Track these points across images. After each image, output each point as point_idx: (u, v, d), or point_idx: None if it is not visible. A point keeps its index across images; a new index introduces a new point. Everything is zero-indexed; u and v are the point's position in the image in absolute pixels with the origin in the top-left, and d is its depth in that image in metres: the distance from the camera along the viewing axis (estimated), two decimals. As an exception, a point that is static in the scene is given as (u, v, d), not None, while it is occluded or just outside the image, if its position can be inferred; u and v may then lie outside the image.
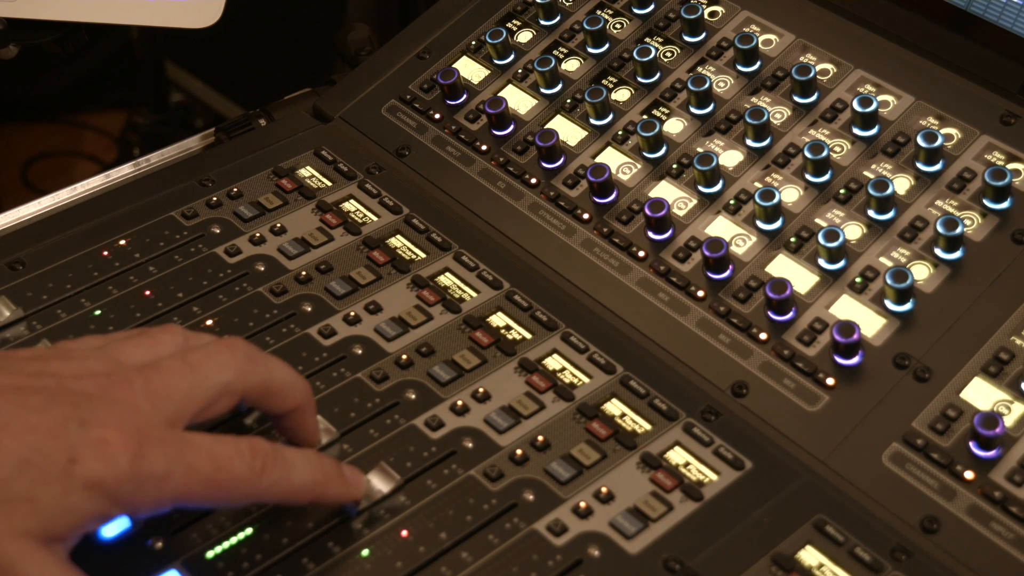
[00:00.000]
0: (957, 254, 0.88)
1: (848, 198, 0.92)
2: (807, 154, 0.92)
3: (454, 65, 1.06)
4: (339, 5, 1.78)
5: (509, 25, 1.08)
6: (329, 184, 1.00)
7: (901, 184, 0.92)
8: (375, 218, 0.97)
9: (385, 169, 1.02)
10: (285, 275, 0.92)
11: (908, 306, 0.86)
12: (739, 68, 1.00)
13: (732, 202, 0.94)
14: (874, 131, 0.94)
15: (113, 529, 0.76)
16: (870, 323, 0.86)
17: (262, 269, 0.93)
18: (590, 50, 1.05)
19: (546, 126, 1.01)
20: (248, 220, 0.97)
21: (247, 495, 0.71)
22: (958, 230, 0.87)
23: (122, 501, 0.67)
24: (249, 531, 0.76)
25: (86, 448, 0.66)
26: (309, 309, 0.90)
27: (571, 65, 1.05)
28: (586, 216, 0.96)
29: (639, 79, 1.02)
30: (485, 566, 0.75)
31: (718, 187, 0.95)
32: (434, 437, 0.82)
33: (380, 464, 0.78)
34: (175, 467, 0.68)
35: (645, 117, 0.99)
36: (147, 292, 0.91)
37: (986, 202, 0.90)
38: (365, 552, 0.75)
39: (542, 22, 1.08)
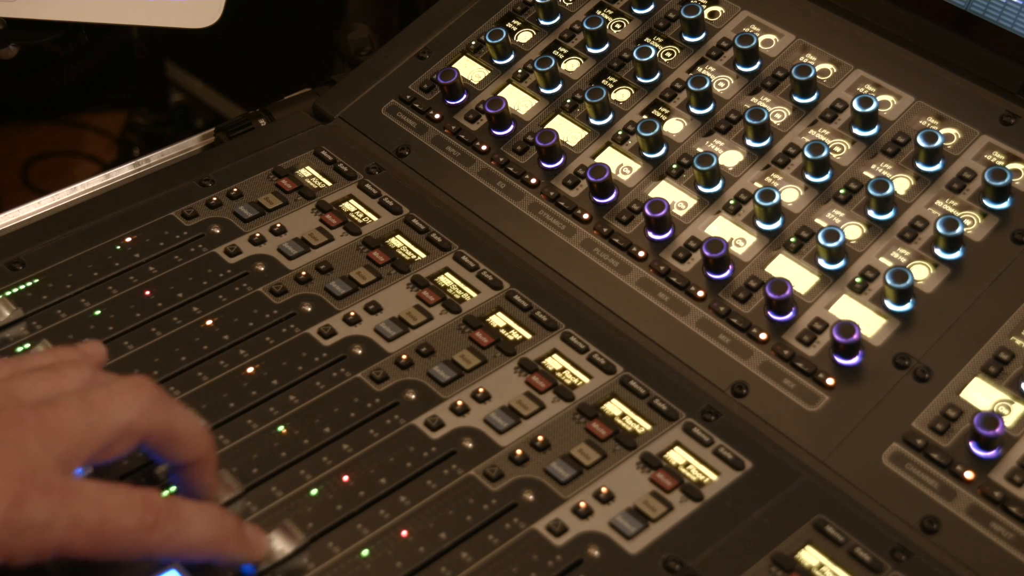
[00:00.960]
0: (957, 254, 0.88)
1: (848, 198, 0.92)
2: (807, 154, 0.92)
3: (454, 65, 1.06)
4: (339, 5, 1.78)
5: (509, 25, 1.08)
6: (329, 184, 1.00)
7: (901, 184, 0.92)
8: (375, 218, 0.97)
9: (385, 169, 1.02)
10: (285, 275, 0.92)
11: (908, 306, 0.86)
12: (739, 68, 1.00)
13: (732, 202, 0.94)
14: (874, 131, 0.94)
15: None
16: (870, 323, 0.86)
17: (262, 269, 0.93)
18: (590, 50, 1.05)
19: (546, 126, 1.01)
20: (248, 220, 0.97)
21: (136, 550, 0.68)
22: (958, 230, 0.87)
23: None
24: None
25: None
26: (309, 309, 0.90)
27: (571, 65, 1.05)
28: (586, 216, 0.96)
29: (639, 79, 1.02)
30: (485, 566, 0.75)
31: (718, 187, 0.95)
32: (434, 437, 0.82)
33: (284, 523, 0.75)
34: (58, 516, 0.65)
35: (645, 117, 0.99)
36: (147, 292, 0.91)
37: (986, 202, 0.90)
38: (365, 552, 0.75)
39: (542, 22, 1.08)
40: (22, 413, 0.67)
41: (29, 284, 0.91)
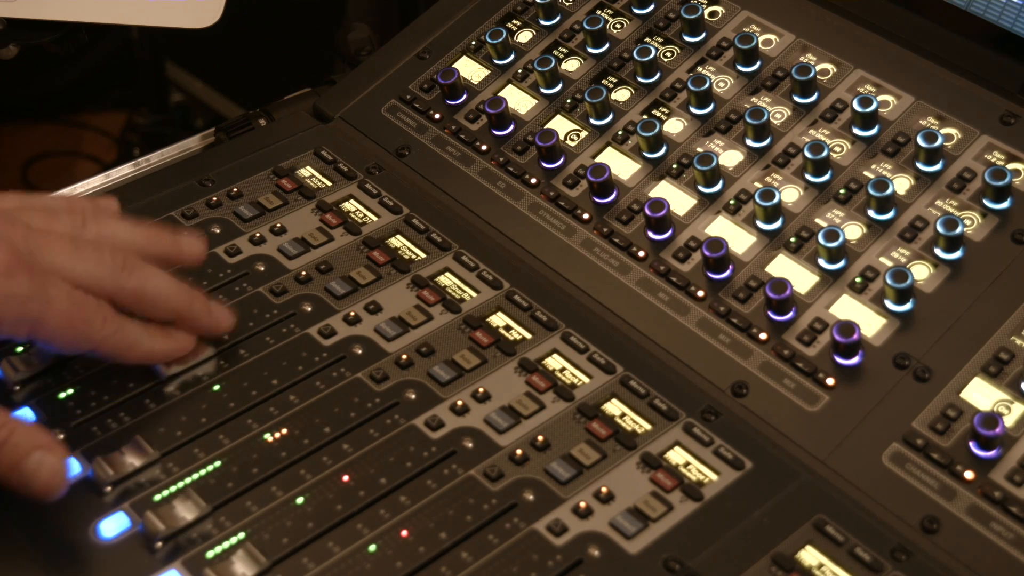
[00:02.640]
0: (957, 254, 0.88)
1: (848, 198, 0.92)
2: (807, 154, 0.92)
3: (454, 65, 1.06)
4: (339, 5, 1.77)
5: (509, 25, 1.08)
6: (329, 184, 1.00)
7: (901, 184, 0.92)
8: (375, 218, 0.97)
9: (385, 169, 1.02)
10: (285, 275, 0.92)
11: (908, 306, 0.86)
12: (739, 68, 1.00)
13: (732, 202, 0.94)
14: (874, 131, 0.94)
15: (113, 528, 0.76)
16: (870, 323, 0.86)
17: (262, 269, 0.93)
18: (590, 50, 1.05)
19: (546, 126, 1.01)
20: (248, 220, 0.97)
21: (89, 340, 0.79)
22: (958, 230, 0.87)
23: None
24: (249, 531, 0.76)
25: None
26: (309, 309, 0.90)
27: (571, 65, 1.05)
28: (586, 216, 0.96)
29: (639, 79, 1.02)
30: (485, 566, 0.75)
31: (718, 187, 0.95)
32: (434, 437, 0.82)
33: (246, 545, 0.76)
34: (37, 294, 0.76)
35: (645, 117, 0.99)
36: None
37: (986, 202, 0.90)
38: (372, 548, 0.75)
39: (542, 22, 1.08)
40: (16, 223, 0.78)
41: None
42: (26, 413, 0.82)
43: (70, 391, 0.84)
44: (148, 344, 0.82)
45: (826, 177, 0.93)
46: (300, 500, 0.78)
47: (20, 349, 0.86)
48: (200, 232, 0.90)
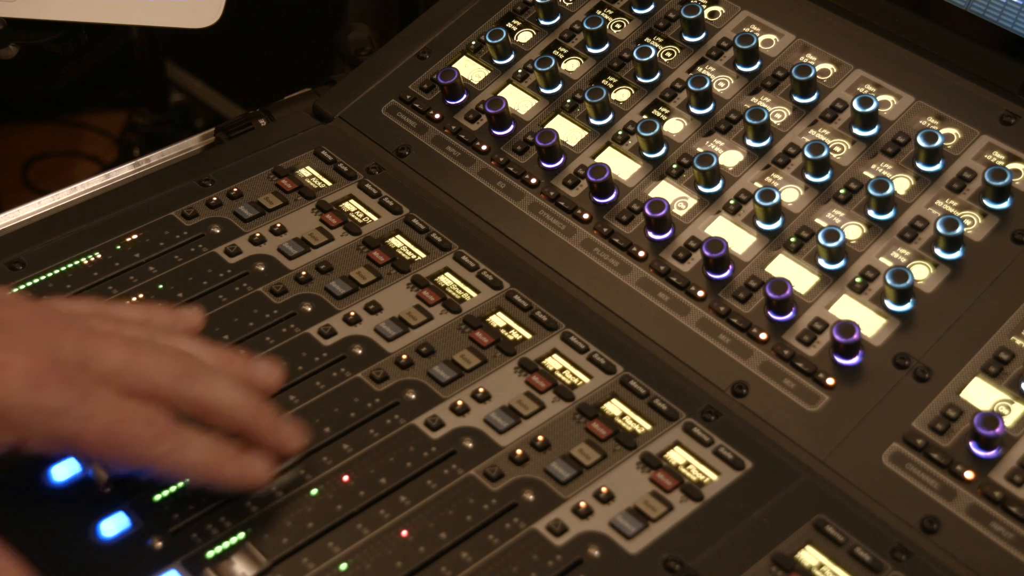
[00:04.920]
0: (957, 254, 0.88)
1: (848, 198, 0.92)
2: (807, 154, 0.92)
3: (454, 65, 1.06)
4: (339, 5, 1.77)
5: (509, 25, 1.08)
6: (329, 184, 1.00)
7: (901, 184, 0.92)
8: (375, 218, 0.97)
9: (385, 169, 1.02)
10: (285, 275, 0.92)
11: (908, 306, 0.86)
12: (739, 68, 1.00)
13: (732, 202, 0.94)
14: (874, 131, 0.94)
15: (113, 528, 0.76)
16: (870, 323, 0.86)
17: (262, 269, 0.93)
18: (590, 50, 1.05)
19: (546, 126, 1.01)
20: (248, 220, 0.97)
21: (139, 459, 0.72)
22: (958, 230, 0.87)
23: (10, 426, 0.69)
24: (249, 531, 0.76)
25: None
26: (309, 309, 0.90)
27: (571, 65, 1.05)
28: (586, 216, 0.96)
29: (639, 79, 1.02)
30: (485, 566, 0.75)
31: (718, 187, 0.95)
32: (434, 437, 0.82)
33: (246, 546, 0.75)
34: (72, 408, 0.69)
35: (645, 117, 0.99)
36: (139, 294, 0.91)
37: (986, 202, 0.90)
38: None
39: (542, 22, 1.08)
40: (73, 326, 0.72)
41: (29, 284, 0.91)
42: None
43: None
44: (213, 469, 0.74)
45: (826, 177, 0.93)
46: (314, 492, 0.78)
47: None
48: (279, 360, 0.81)
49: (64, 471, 0.77)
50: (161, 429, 0.72)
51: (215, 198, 0.98)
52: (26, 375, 0.69)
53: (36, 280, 0.91)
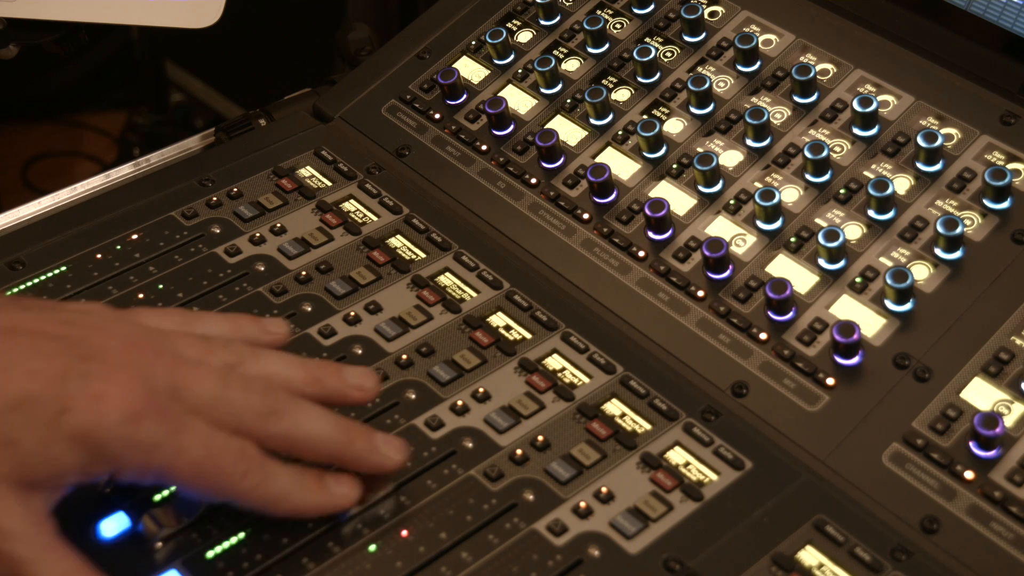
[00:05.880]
0: (957, 254, 0.88)
1: (848, 198, 0.92)
2: (807, 154, 0.92)
3: (454, 65, 1.06)
4: (339, 5, 1.77)
5: (509, 25, 1.08)
6: (329, 184, 1.00)
7: (901, 184, 0.92)
8: (375, 218, 0.97)
9: (385, 169, 1.02)
10: (285, 275, 0.93)
11: (908, 306, 0.86)
12: (739, 68, 1.00)
13: (732, 202, 0.94)
14: (874, 131, 0.94)
15: (113, 529, 0.76)
16: (870, 323, 0.86)
17: (262, 269, 0.93)
18: (590, 50, 1.05)
19: (546, 126, 1.01)
20: (248, 220, 0.97)
21: (228, 491, 0.72)
22: (958, 230, 0.87)
23: (105, 458, 0.68)
24: (249, 531, 0.76)
25: (80, 400, 0.67)
26: (309, 309, 0.90)
27: (571, 65, 1.05)
28: (586, 216, 0.96)
29: (639, 79, 1.02)
30: (485, 566, 0.75)
31: (718, 187, 0.95)
32: (434, 437, 0.82)
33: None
34: (167, 442, 0.69)
35: (645, 117, 0.99)
36: (141, 294, 0.91)
37: (986, 202, 0.90)
38: (372, 547, 0.75)
39: (542, 22, 1.08)
40: (164, 353, 0.71)
41: (29, 284, 0.91)
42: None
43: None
44: (298, 498, 0.74)
45: (826, 177, 0.93)
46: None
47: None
48: (370, 371, 0.79)
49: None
50: (250, 463, 0.71)
51: (215, 198, 0.98)
52: (121, 407, 0.68)
53: (36, 280, 0.91)
